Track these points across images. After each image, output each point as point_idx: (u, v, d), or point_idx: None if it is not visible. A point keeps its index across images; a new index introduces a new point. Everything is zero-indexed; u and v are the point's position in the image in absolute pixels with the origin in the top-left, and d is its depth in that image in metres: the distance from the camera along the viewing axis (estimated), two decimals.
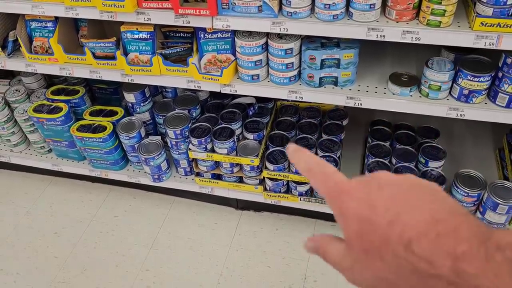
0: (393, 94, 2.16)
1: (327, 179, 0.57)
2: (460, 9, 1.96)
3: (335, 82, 2.23)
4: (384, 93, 2.19)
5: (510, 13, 1.79)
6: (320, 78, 2.21)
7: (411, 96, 2.14)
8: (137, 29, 2.38)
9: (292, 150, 0.62)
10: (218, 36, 2.29)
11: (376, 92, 2.19)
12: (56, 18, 2.59)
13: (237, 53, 2.27)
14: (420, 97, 2.14)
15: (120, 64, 2.46)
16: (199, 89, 2.45)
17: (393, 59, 2.40)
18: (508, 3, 1.76)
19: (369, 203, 0.52)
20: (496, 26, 1.79)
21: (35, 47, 2.66)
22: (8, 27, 2.73)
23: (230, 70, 2.31)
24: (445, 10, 1.83)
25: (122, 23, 2.40)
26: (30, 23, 2.63)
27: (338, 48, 2.13)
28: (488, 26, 1.80)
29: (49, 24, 2.60)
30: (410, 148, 2.60)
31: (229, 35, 2.28)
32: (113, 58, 2.48)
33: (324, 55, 2.13)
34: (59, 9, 2.34)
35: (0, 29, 2.71)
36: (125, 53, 2.45)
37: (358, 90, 2.21)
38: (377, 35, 1.94)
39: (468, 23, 1.90)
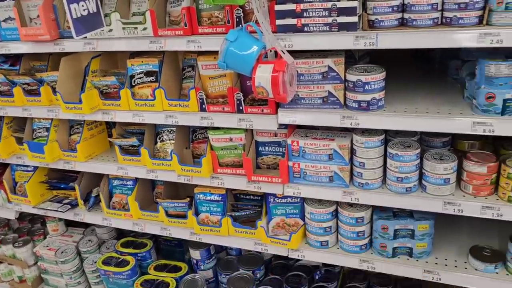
0: (476, 270, 2.01)
1: None
2: None
3: (409, 253, 2.12)
4: (466, 268, 2.03)
5: None
6: (394, 248, 2.12)
7: (496, 273, 1.97)
8: (210, 191, 2.49)
9: None
10: (288, 201, 2.33)
11: (456, 266, 2.05)
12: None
13: (306, 218, 2.27)
14: (508, 275, 1.96)
15: (190, 223, 2.53)
16: (265, 251, 2.42)
17: (471, 230, 2.29)
18: None
19: None
20: None
21: (113, 202, 2.83)
22: (92, 183, 2.97)
23: (299, 235, 2.29)
24: None
25: (197, 185, 2.53)
26: (113, 181, 2.85)
27: (412, 218, 2.07)
28: None
29: (129, 183, 2.80)
30: None
31: (298, 200, 2.31)
32: (184, 217, 2.57)
33: (397, 225, 2.08)
34: (141, 171, 2.54)
35: (86, 185, 2.95)
36: (196, 213, 2.53)
37: (436, 263, 2.08)
38: (454, 209, 1.88)
39: None
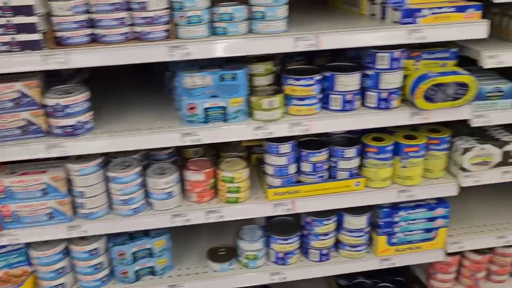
0: (215, 271, 2.08)
1: None
2: (254, 179, 2.06)
3: (152, 271, 2.07)
4: (206, 272, 2.09)
5: (296, 181, 1.95)
6: (135, 272, 2.03)
7: (232, 269, 2.09)
8: None
9: None
10: (8, 250, 1.98)
11: (197, 273, 2.09)
12: None
13: (33, 264, 1.97)
14: (241, 268, 2.10)
15: None
16: None
17: (208, 233, 2.36)
18: (290, 172, 1.92)
19: None
20: (287, 194, 1.92)
21: None
22: None
23: (28, 285, 1.97)
24: (239, 187, 1.90)
25: None
26: None
27: (147, 237, 2.01)
28: (280, 194, 1.92)
29: None
30: None
31: (22, 246, 1.99)
32: None
33: (134, 248, 1.99)
34: None
35: None
36: None
37: (179, 275, 2.08)
38: (181, 220, 1.90)
39: (264, 193, 2.00)
